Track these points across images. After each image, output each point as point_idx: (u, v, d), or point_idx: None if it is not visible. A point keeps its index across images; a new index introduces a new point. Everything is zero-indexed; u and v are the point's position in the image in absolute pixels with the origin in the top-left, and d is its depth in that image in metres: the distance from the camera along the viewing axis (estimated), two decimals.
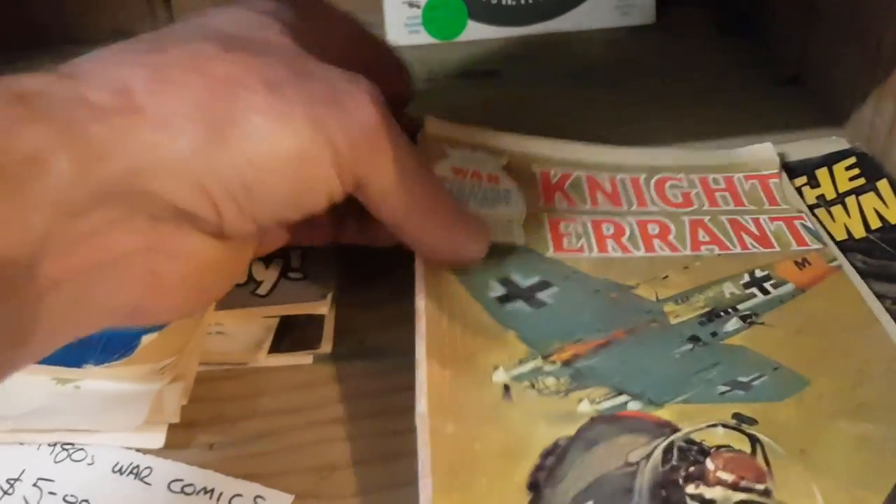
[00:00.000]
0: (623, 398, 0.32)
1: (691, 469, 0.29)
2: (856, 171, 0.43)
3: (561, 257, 0.38)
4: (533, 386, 0.32)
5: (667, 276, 0.37)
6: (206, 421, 0.34)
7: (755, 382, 0.33)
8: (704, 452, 0.30)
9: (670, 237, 0.39)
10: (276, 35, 0.30)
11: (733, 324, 0.35)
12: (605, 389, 0.32)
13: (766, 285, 0.37)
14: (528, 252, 0.38)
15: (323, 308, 0.38)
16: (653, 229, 0.40)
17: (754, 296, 0.36)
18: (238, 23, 0.30)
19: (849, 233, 0.40)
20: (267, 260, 0.40)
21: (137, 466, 0.32)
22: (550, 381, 0.32)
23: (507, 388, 0.32)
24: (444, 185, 0.37)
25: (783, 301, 0.36)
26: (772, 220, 0.40)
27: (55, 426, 0.33)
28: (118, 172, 0.24)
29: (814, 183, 0.43)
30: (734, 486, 0.29)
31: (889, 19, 0.44)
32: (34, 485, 0.32)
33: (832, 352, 0.34)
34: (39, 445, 0.33)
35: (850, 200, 0.42)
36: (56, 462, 0.32)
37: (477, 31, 0.61)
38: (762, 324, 0.35)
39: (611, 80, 0.57)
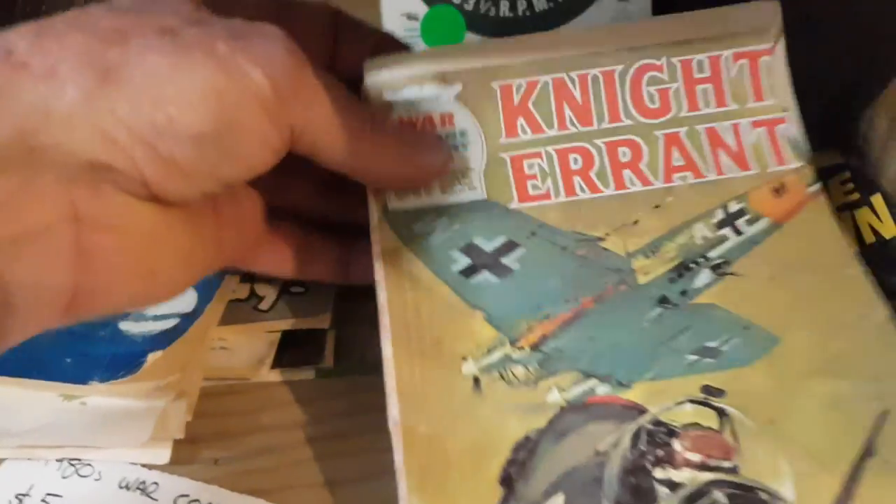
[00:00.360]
0: (592, 382, 0.32)
1: (659, 453, 0.30)
2: (850, 185, 0.44)
3: (525, 208, 0.36)
4: (502, 377, 0.32)
5: (637, 221, 0.36)
6: (211, 437, 0.35)
7: (724, 347, 0.32)
8: (672, 433, 0.30)
9: (642, 164, 0.37)
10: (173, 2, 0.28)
11: (704, 277, 0.34)
12: (574, 375, 0.32)
13: (740, 223, 0.36)
14: (490, 206, 0.36)
15: (324, 323, 0.39)
16: (624, 155, 0.37)
17: (726, 238, 0.35)
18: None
19: None
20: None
21: (144, 482, 0.33)
22: (519, 370, 0.32)
23: (476, 380, 0.32)
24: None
25: (757, 242, 0.35)
26: (753, 125, 0.38)
27: (62, 442, 0.33)
28: (8, 134, 0.23)
29: None
30: (702, 467, 0.29)
31: (885, 38, 0.44)
32: (42, 500, 0.32)
33: (804, 301, 0.34)
34: (47, 461, 0.33)
35: (845, 215, 0.42)
36: (64, 477, 0.33)
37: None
38: (733, 274, 0.34)
39: None
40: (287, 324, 0.39)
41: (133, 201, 0.26)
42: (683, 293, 0.34)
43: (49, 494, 0.33)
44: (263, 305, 0.39)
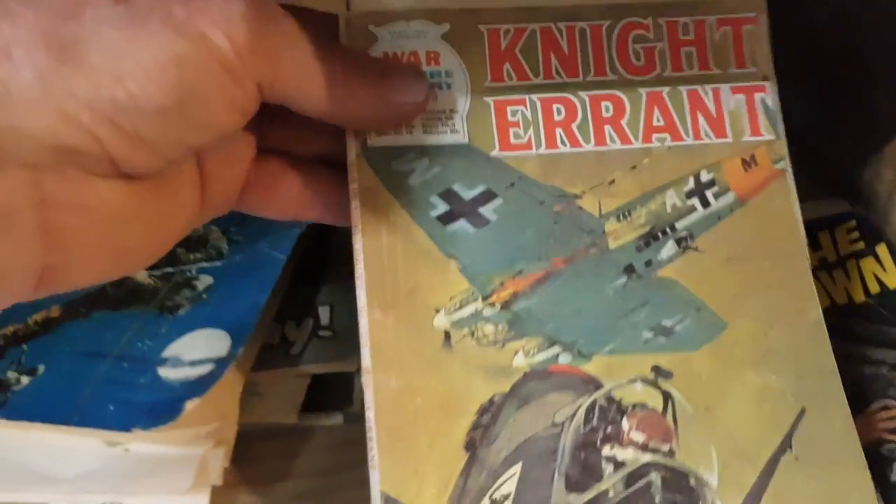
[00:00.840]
0: (555, 349, 0.33)
1: (608, 430, 0.32)
2: (856, 234, 0.45)
3: (506, 157, 0.36)
4: (472, 334, 0.33)
5: (613, 181, 0.36)
6: (246, 482, 0.36)
7: (678, 327, 0.34)
8: (622, 411, 0.32)
9: (623, 122, 0.37)
10: None
11: (668, 250, 0.35)
12: (539, 340, 0.33)
13: (709, 194, 0.37)
14: (471, 151, 0.36)
15: (352, 366, 0.40)
16: (606, 109, 0.37)
17: (694, 209, 0.36)
18: None
19: (849, 297, 0.43)
20: (298, 320, 0.42)
21: None
22: (489, 328, 0.33)
23: (447, 335, 0.33)
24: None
25: (720, 217, 0.36)
26: (733, 91, 0.38)
27: (107, 488, 0.35)
28: None
29: (815, 245, 0.45)
30: (643, 447, 0.31)
31: (889, 89, 0.46)
32: None
33: (753, 288, 0.35)
34: None
35: (851, 264, 0.44)
36: None
37: None
38: (695, 249, 0.36)
39: None
40: (317, 368, 0.40)
41: (101, 181, 0.26)
42: (648, 263, 0.35)
43: None
44: (294, 350, 0.41)
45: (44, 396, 0.37)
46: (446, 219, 0.34)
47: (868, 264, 0.44)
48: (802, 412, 0.32)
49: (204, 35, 0.25)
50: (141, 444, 0.36)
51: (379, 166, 0.34)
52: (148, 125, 0.25)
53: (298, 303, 0.43)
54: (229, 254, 0.44)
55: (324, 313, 0.43)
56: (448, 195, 0.35)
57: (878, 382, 0.38)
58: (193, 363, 0.38)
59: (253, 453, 0.37)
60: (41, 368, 0.39)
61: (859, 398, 0.38)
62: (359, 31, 0.35)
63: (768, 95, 0.39)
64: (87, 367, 0.38)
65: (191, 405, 0.36)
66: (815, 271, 0.44)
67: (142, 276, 0.43)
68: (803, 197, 0.48)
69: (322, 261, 0.46)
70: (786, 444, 0.32)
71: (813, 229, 0.46)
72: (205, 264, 0.44)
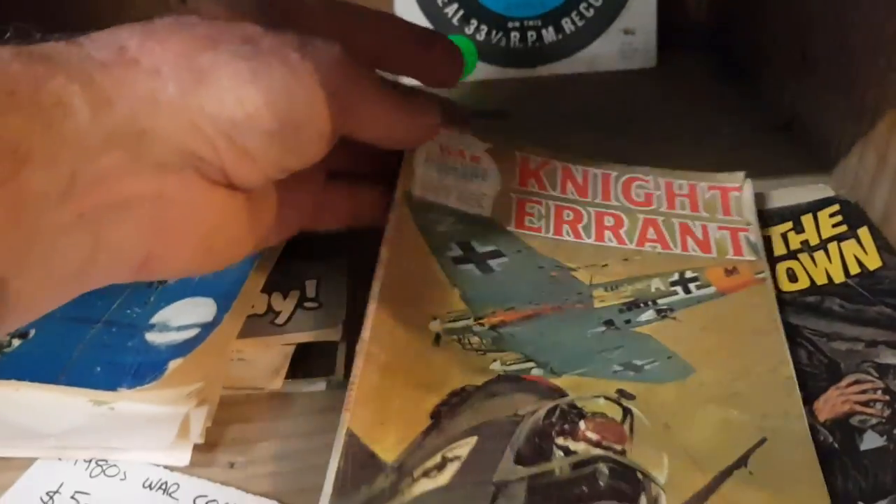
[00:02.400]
0: (530, 364, 0.37)
1: (565, 426, 0.34)
2: (839, 217, 0.46)
3: (518, 233, 0.43)
4: (459, 341, 0.38)
5: (606, 265, 0.42)
6: (228, 442, 0.37)
7: (647, 367, 0.37)
8: (581, 416, 0.34)
9: (622, 231, 0.44)
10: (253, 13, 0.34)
11: (648, 315, 0.40)
12: (517, 355, 0.38)
13: (691, 285, 0.41)
14: (491, 223, 0.43)
15: (335, 336, 0.41)
16: (608, 221, 0.44)
17: (676, 293, 0.41)
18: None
19: (829, 277, 0.43)
20: (285, 292, 0.43)
21: (166, 482, 0.35)
22: (475, 339, 0.38)
23: (438, 336, 0.38)
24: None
25: (700, 301, 0.40)
26: (719, 228, 0.44)
27: (91, 444, 0.36)
28: (123, 117, 0.27)
29: (799, 229, 0.46)
30: (596, 444, 0.33)
31: (872, 76, 0.46)
32: (72, 497, 0.35)
33: (726, 349, 0.38)
34: (76, 461, 0.36)
35: (832, 247, 0.45)
36: (91, 477, 0.35)
37: (487, 72, 0.65)
38: (673, 318, 0.40)
39: (612, 121, 0.60)
40: (301, 337, 0.41)
41: (211, 187, 0.30)
42: (628, 321, 0.39)
43: (77, 492, 0.35)
44: (280, 320, 0.42)
45: (33, 358, 0.38)
46: (459, 261, 0.41)
47: (850, 247, 0.44)
48: (763, 440, 0.34)
49: (311, 77, 0.30)
50: (126, 402, 0.36)
51: (417, 212, 0.42)
52: (256, 144, 0.30)
53: (286, 276, 0.44)
54: None
55: (310, 286, 0.44)
56: (465, 245, 0.42)
57: (853, 358, 0.39)
58: (180, 328, 0.39)
59: (236, 416, 0.38)
60: (32, 332, 0.39)
61: (834, 372, 0.38)
62: None
63: (751, 234, 0.44)
64: (77, 331, 0.39)
65: (174, 365, 0.37)
66: (797, 253, 0.45)
67: None
68: (789, 182, 0.50)
69: (310, 237, 0.47)
70: (741, 462, 0.33)
71: (797, 214, 0.47)
72: None
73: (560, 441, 0.34)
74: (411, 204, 0.42)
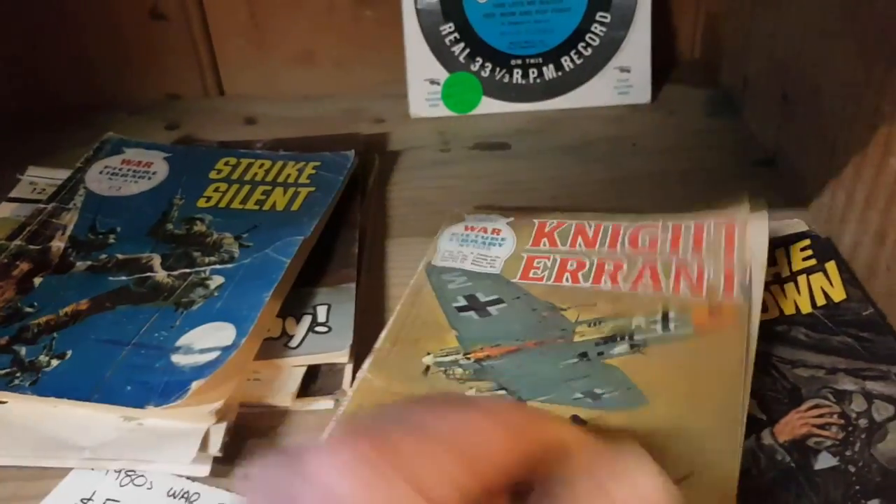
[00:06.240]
0: (501, 392, 0.42)
1: None
2: (809, 252, 0.49)
3: (521, 283, 0.49)
4: (445, 372, 0.44)
5: (595, 304, 0.47)
6: (245, 454, 0.41)
7: (605, 395, 0.41)
8: None
9: (619, 274, 0.48)
10: None
11: (621, 348, 0.44)
12: (492, 384, 0.43)
13: (671, 324, 0.44)
14: (499, 278, 0.50)
15: (343, 358, 0.45)
16: (608, 267, 0.49)
17: (654, 330, 0.44)
18: None
19: (797, 308, 0.47)
20: (298, 317, 0.47)
21: (188, 492, 0.39)
22: (459, 370, 0.44)
23: (427, 368, 0.44)
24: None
25: (674, 339, 0.44)
26: (716, 271, 0.47)
27: (122, 456, 0.40)
28: None
29: (771, 261, 0.49)
30: None
31: (842, 120, 0.50)
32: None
33: (685, 386, 0.41)
34: (108, 471, 0.40)
35: (802, 279, 0.48)
36: (121, 486, 0.39)
37: (490, 106, 0.69)
38: (643, 353, 0.43)
39: (607, 154, 0.63)
40: (312, 359, 0.45)
41: None
42: (600, 354, 0.44)
43: (109, 500, 0.39)
44: (293, 343, 0.46)
45: (70, 377, 0.42)
46: (463, 309, 0.48)
47: (817, 280, 0.48)
48: (690, 474, 0.37)
49: None
50: (153, 419, 0.41)
51: (433, 276, 0.50)
52: None
53: (299, 302, 0.48)
54: (240, 257, 0.50)
55: (321, 312, 0.48)
56: (471, 297, 0.49)
57: (814, 384, 0.42)
58: (202, 350, 0.43)
59: (252, 431, 0.42)
60: (69, 353, 0.44)
61: (796, 396, 0.42)
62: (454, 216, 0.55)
63: (747, 278, 0.46)
64: (110, 352, 0.44)
65: (196, 385, 0.41)
66: (769, 285, 0.48)
67: (161, 276, 0.49)
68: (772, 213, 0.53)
69: (322, 266, 0.51)
70: None
71: (770, 247, 0.50)
72: (218, 266, 0.49)
73: None
74: (430, 271, 0.50)
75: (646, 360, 0.43)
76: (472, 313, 0.47)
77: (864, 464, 0.38)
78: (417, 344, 0.45)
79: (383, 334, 0.46)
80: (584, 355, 0.44)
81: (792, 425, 0.41)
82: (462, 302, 0.48)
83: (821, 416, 0.41)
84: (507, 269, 0.50)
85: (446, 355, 0.45)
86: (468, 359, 0.44)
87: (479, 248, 0.52)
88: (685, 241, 0.49)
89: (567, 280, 0.49)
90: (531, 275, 0.49)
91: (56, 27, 0.69)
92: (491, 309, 0.47)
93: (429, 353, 0.45)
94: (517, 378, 0.43)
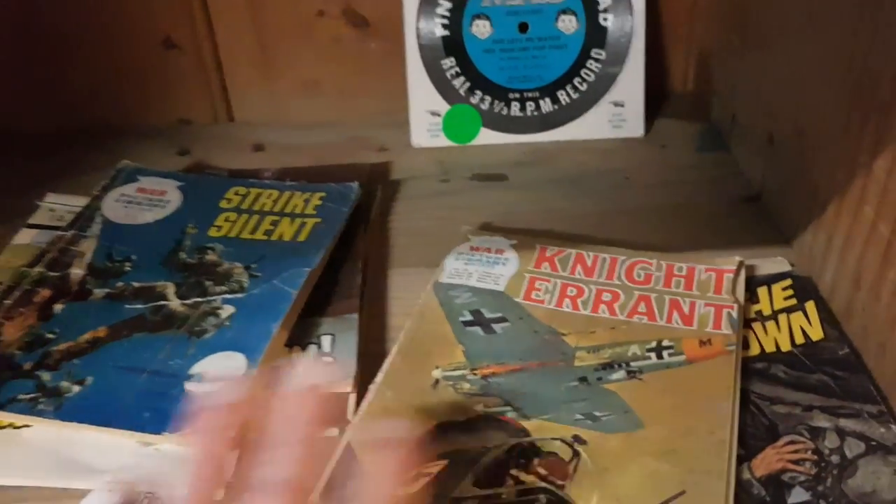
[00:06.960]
0: (507, 408, 0.46)
1: (521, 461, 0.42)
2: (790, 291, 0.52)
3: (524, 303, 0.53)
4: (453, 386, 0.47)
5: (594, 332, 0.50)
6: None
7: (604, 418, 0.45)
8: (537, 454, 0.43)
9: (616, 304, 0.52)
10: None
11: (619, 375, 0.47)
12: (498, 400, 0.46)
13: (665, 353, 0.48)
14: (502, 296, 0.53)
15: (347, 387, 0.48)
16: (606, 297, 0.53)
17: (649, 358, 0.48)
18: None
19: (777, 346, 0.49)
20: (304, 346, 0.50)
21: None
22: (466, 385, 0.47)
23: (437, 381, 0.47)
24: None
25: (668, 367, 0.48)
26: (706, 305, 0.51)
27: (139, 479, 0.42)
28: None
29: (754, 300, 0.52)
30: (542, 478, 0.41)
31: (823, 165, 0.53)
32: None
33: (678, 411, 0.45)
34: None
35: (783, 318, 0.51)
36: None
37: (489, 137, 0.71)
38: (640, 380, 0.47)
39: (600, 186, 0.66)
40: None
41: None
42: (599, 379, 0.47)
43: None
44: None
45: (91, 403, 0.45)
46: (468, 324, 0.51)
47: (797, 319, 0.51)
48: (682, 492, 0.41)
49: None
50: (169, 445, 0.43)
51: (440, 292, 0.54)
52: None
53: (304, 332, 0.51)
54: (250, 287, 0.52)
55: (326, 342, 0.50)
56: (476, 312, 0.52)
57: (791, 420, 0.45)
58: (214, 379, 0.46)
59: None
60: (89, 379, 0.46)
61: (773, 432, 0.44)
62: (460, 238, 0.58)
63: (734, 311, 0.51)
64: (128, 379, 0.46)
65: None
66: (751, 322, 0.51)
67: (175, 304, 0.51)
68: (756, 252, 0.56)
69: (327, 296, 0.53)
70: None
71: (753, 286, 0.53)
72: (228, 296, 0.52)
73: (514, 472, 0.42)
74: (437, 288, 0.54)
75: (642, 386, 0.47)
76: (477, 329, 0.51)
77: (835, 499, 0.41)
78: (427, 358, 0.49)
79: (393, 352, 0.49)
80: (584, 379, 0.47)
81: (768, 460, 0.43)
82: (468, 317, 0.52)
83: (796, 451, 0.44)
84: (510, 288, 0.54)
85: (454, 370, 0.48)
86: (475, 374, 0.48)
87: (483, 266, 0.55)
88: (677, 281, 0.53)
89: (567, 306, 0.52)
90: (534, 296, 0.53)
91: (75, 55, 0.72)
92: (496, 327, 0.51)
93: (437, 367, 0.48)
94: (521, 396, 0.46)
